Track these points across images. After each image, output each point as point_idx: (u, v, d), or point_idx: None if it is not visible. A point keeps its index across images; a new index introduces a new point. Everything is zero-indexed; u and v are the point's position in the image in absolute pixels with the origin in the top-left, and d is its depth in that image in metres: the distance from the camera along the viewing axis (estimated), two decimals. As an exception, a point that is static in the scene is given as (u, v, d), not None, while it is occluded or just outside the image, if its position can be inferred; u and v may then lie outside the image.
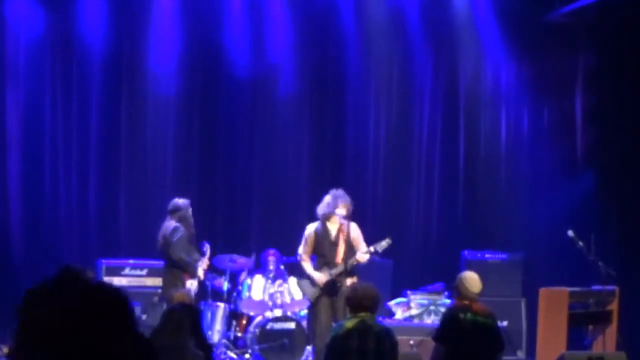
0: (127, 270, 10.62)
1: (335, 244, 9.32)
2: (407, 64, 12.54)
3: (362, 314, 6.70)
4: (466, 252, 11.28)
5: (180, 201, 9.88)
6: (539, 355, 9.66)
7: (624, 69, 11.87)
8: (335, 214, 9.28)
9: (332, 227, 9.39)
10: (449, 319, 7.03)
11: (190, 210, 9.88)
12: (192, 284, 9.69)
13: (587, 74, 12.43)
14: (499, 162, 12.69)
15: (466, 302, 7.04)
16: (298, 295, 10.34)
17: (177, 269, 9.67)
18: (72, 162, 11.53)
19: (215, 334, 10.12)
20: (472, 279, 7.12)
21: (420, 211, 12.55)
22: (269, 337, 9.99)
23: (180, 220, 9.75)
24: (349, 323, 6.70)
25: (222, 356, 9.98)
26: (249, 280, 10.41)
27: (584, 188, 12.01)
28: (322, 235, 9.37)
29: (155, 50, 11.73)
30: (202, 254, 9.92)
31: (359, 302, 6.73)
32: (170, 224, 9.67)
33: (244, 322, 10.43)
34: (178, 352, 5.77)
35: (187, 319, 6.01)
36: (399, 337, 7.13)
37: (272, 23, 12.05)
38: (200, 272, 9.76)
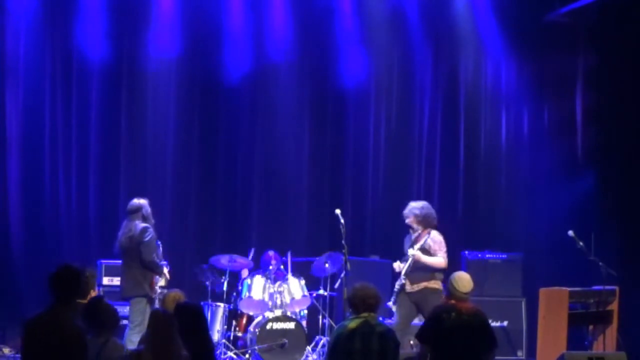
0: (126, 270, 10.58)
1: None
2: (407, 63, 12.53)
3: (365, 314, 6.69)
4: (466, 252, 11.28)
5: (141, 200, 9.59)
6: (539, 355, 9.66)
7: (624, 69, 11.86)
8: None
9: None
10: (432, 318, 7.02)
11: (150, 210, 9.58)
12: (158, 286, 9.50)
13: (587, 74, 12.43)
14: (499, 162, 12.69)
15: (453, 301, 7.03)
16: (298, 295, 10.35)
17: (147, 270, 9.44)
18: (72, 161, 11.51)
19: (215, 334, 10.13)
20: (461, 279, 7.09)
21: (420, 211, 12.52)
22: (269, 337, 9.99)
23: (144, 219, 9.50)
24: (352, 323, 6.68)
25: (222, 356, 9.99)
26: (248, 280, 10.41)
27: (584, 188, 12.01)
28: None
29: (156, 50, 11.71)
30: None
31: (362, 302, 6.71)
32: (136, 224, 9.40)
33: (244, 322, 10.43)
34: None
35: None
36: (398, 337, 7.13)
37: (272, 22, 12.05)
38: (165, 271, 9.58)
